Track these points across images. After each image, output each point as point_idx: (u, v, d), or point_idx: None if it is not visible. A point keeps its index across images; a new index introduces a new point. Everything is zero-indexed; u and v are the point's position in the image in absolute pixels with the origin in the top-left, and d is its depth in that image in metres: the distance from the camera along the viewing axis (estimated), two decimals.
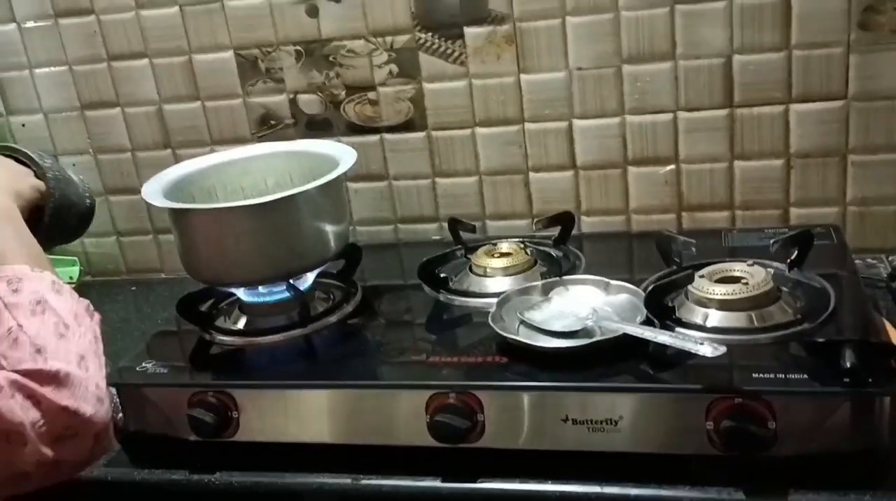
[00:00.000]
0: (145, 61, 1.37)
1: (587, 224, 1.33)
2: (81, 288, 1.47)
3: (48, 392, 0.67)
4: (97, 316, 0.81)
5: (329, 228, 1.04)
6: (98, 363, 0.75)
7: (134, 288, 1.48)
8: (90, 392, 0.71)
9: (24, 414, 0.66)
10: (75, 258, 1.49)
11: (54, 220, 0.95)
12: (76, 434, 0.69)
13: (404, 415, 0.90)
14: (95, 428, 0.70)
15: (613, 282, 1.00)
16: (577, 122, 1.27)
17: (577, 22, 1.22)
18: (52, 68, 1.40)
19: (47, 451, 0.67)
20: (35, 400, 0.67)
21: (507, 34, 1.24)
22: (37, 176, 0.95)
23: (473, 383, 0.88)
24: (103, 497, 0.96)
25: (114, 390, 1.01)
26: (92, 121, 1.42)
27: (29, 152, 0.97)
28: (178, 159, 1.36)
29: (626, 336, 0.88)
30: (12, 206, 0.85)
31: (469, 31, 1.25)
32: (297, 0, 1.28)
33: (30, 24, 1.38)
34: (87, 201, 1.03)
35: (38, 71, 1.41)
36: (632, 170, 1.28)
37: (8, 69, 1.41)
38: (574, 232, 1.24)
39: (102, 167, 1.45)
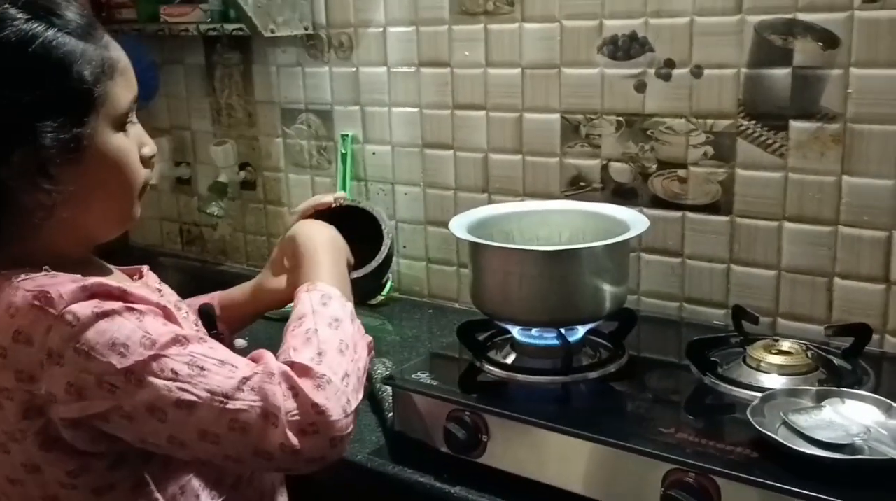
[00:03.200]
0: (483, 113, 1.52)
1: (892, 344, 1.22)
2: (389, 302, 1.66)
3: (308, 388, 0.77)
4: (373, 354, 0.91)
5: (607, 288, 1.08)
6: (357, 386, 0.82)
7: (431, 311, 1.63)
8: (341, 403, 0.77)
9: (284, 401, 0.75)
10: (389, 275, 1.68)
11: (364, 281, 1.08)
12: (317, 432, 0.75)
13: (639, 481, 0.91)
14: (334, 433, 0.76)
15: None
16: None
17: None
18: (407, 109, 1.61)
19: (293, 439, 0.75)
20: (295, 392, 0.75)
21: (835, 133, 1.21)
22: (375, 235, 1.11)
23: (715, 468, 0.87)
24: (359, 479, 1.08)
25: (389, 389, 1.14)
26: (429, 158, 1.61)
27: (380, 213, 1.13)
28: (491, 203, 1.49)
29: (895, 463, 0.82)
30: (346, 249, 1.02)
31: (795, 124, 1.23)
32: (629, 75, 1.35)
33: (397, 69, 1.60)
34: (388, 281, 1.15)
35: (395, 109, 1.63)
36: None
37: (372, 104, 1.65)
38: (874, 348, 1.16)
39: (428, 199, 1.63)
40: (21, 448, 0.78)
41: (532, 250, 1.08)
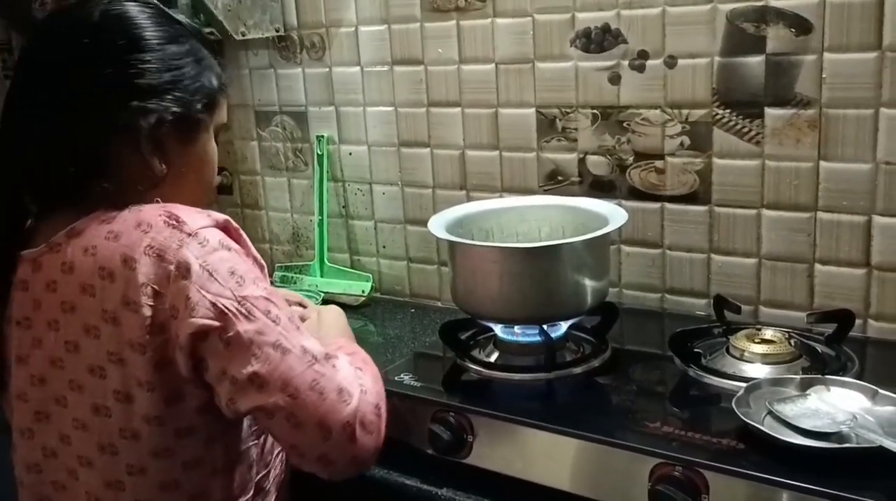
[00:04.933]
0: (458, 110, 1.51)
1: (874, 328, 1.22)
2: (370, 302, 1.65)
3: (374, 392, 0.87)
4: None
5: (588, 283, 1.08)
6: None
7: (413, 311, 1.62)
8: (386, 422, 0.89)
9: (359, 389, 0.84)
10: (370, 275, 1.67)
11: None
12: (372, 433, 0.85)
13: (626, 477, 0.90)
14: (379, 442, 0.87)
15: (882, 392, 0.93)
16: (877, 219, 1.19)
17: (892, 114, 1.15)
18: (382, 108, 1.60)
19: (356, 424, 0.82)
20: (364, 389, 0.86)
21: (810, 118, 1.20)
22: None
23: (702, 461, 0.86)
24: (344, 484, 1.07)
25: None
26: (406, 157, 1.60)
27: None
28: (470, 200, 1.48)
29: (883, 450, 0.81)
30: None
31: (770, 111, 1.23)
32: (603, 68, 1.34)
33: (370, 68, 1.59)
34: None
35: (370, 109, 1.61)
36: None
37: (347, 104, 1.64)
38: (857, 334, 1.16)
39: (406, 198, 1.62)
40: (123, 372, 0.82)
41: (511, 247, 1.08)
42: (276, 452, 1.00)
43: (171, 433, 0.84)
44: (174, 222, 0.82)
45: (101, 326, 0.82)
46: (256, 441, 0.95)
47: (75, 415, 0.86)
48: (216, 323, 0.79)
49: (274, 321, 0.81)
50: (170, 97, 0.89)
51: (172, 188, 0.91)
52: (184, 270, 0.79)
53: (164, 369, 0.82)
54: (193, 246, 0.81)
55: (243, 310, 0.80)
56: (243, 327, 0.79)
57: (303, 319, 1.07)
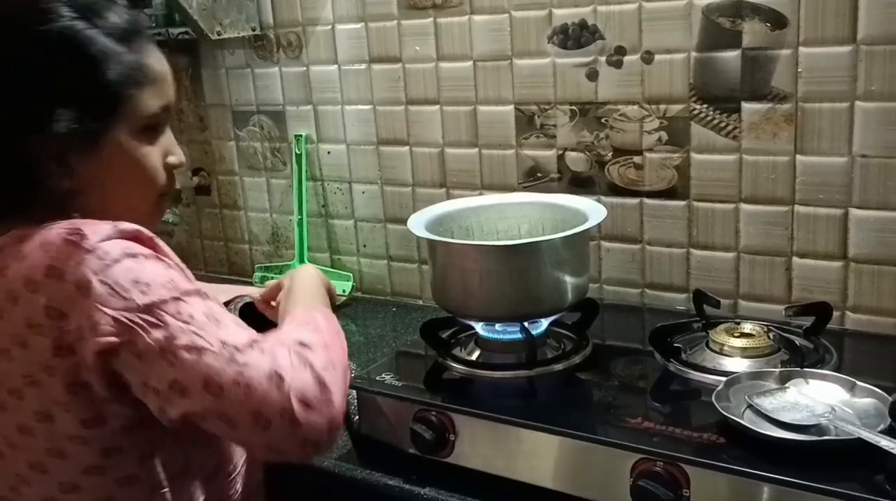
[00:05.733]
0: (436, 107, 1.51)
1: (852, 320, 1.23)
2: (351, 302, 1.64)
3: (317, 364, 0.79)
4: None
5: (568, 279, 1.08)
6: (346, 387, 0.86)
7: (394, 309, 1.62)
8: (341, 390, 0.82)
9: (292, 367, 0.78)
10: (350, 275, 1.67)
11: None
12: (319, 410, 0.77)
13: (608, 473, 0.90)
14: (333, 415, 0.79)
15: (860, 384, 0.93)
16: (854, 212, 1.20)
17: (867, 107, 1.15)
18: (360, 106, 1.59)
19: (296, 407, 0.76)
20: (304, 363, 0.79)
21: (787, 113, 1.21)
22: None
23: (683, 456, 0.86)
24: (326, 485, 1.07)
25: (354, 392, 1.12)
26: (385, 155, 1.59)
27: None
28: (450, 198, 1.48)
29: (862, 442, 0.82)
30: (326, 282, 1.07)
31: (747, 106, 1.24)
32: (580, 64, 1.34)
33: (348, 66, 1.58)
34: None
35: (348, 107, 1.61)
36: None
37: (324, 103, 1.63)
38: (835, 326, 1.17)
39: (386, 197, 1.61)
40: (39, 393, 0.79)
41: (491, 245, 1.07)
42: (240, 462, 0.96)
43: (98, 452, 0.81)
44: (75, 238, 0.77)
45: (12, 349, 0.79)
46: (210, 454, 0.91)
47: (4, 433, 0.83)
48: (122, 339, 0.76)
49: (186, 321, 0.77)
50: (42, 118, 0.80)
51: (100, 200, 0.86)
52: (84, 289, 0.76)
53: (79, 391, 0.79)
54: (92, 261, 0.76)
55: (150, 319, 0.76)
56: (152, 337, 0.76)
57: (280, 288, 1.05)
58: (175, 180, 0.94)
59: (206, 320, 0.78)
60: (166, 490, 0.86)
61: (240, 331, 0.80)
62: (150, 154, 0.88)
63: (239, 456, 0.96)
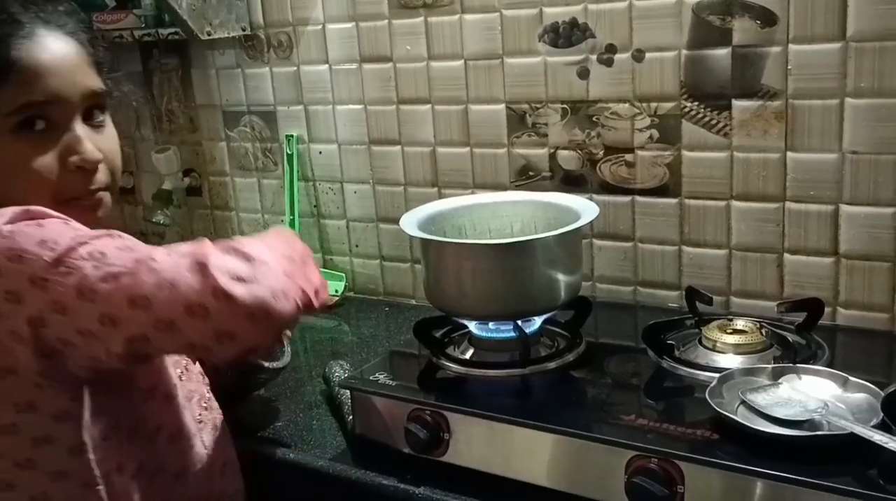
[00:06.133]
0: (428, 107, 1.50)
1: (843, 316, 1.24)
2: (344, 302, 1.64)
3: (243, 247, 0.75)
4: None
5: (561, 277, 1.08)
6: (282, 264, 0.78)
7: (387, 309, 1.61)
8: (282, 266, 0.76)
9: (213, 253, 0.73)
10: (343, 275, 1.66)
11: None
12: (255, 281, 0.72)
13: (603, 470, 0.91)
14: (271, 281, 0.73)
15: (853, 379, 0.94)
16: (844, 208, 1.20)
17: (857, 104, 1.16)
18: (351, 106, 1.59)
19: (225, 282, 0.70)
20: (228, 249, 0.74)
21: (777, 110, 1.21)
22: None
23: (677, 452, 0.87)
24: (321, 485, 1.07)
25: (348, 392, 1.12)
26: (376, 155, 1.59)
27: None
28: (442, 197, 1.48)
29: (854, 437, 0.82)
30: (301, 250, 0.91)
31: (737, 103, 1.24)
32: (571, 62, 1.35)
33: (338, 66, 1.58)
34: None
35: (339, 107, 1.60)
36: None
37: (316, 103, 1.62)
38: (827, 322, 1.18)
39: (378, 197, 1.61)
40: None
41: (483, 244, 1.08)
42: (193, 466, 0.94)
43: (28, 441, 0.79)
44: None
45: None
46: (151, 453, 0.88)
47: None
48: (43, 299, 0.73)
49: (97, 258, 0.73)
50: None
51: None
52: None
53: (7, 376, 0.77)
54: None
55: (63, 270, 0.73)
56: (68, 284, 0.73)
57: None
58: (91, 180, 0.87)
59: (119, 251, 0.74)
60: (101, 487, 0.83)
61: (157, 248, 0.76)
62: (30, 154, 0.83)
63: (192, 460, 0.93)
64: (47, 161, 0.84)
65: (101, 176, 0.88)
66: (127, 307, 0.72)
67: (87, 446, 0.82)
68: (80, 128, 0.86)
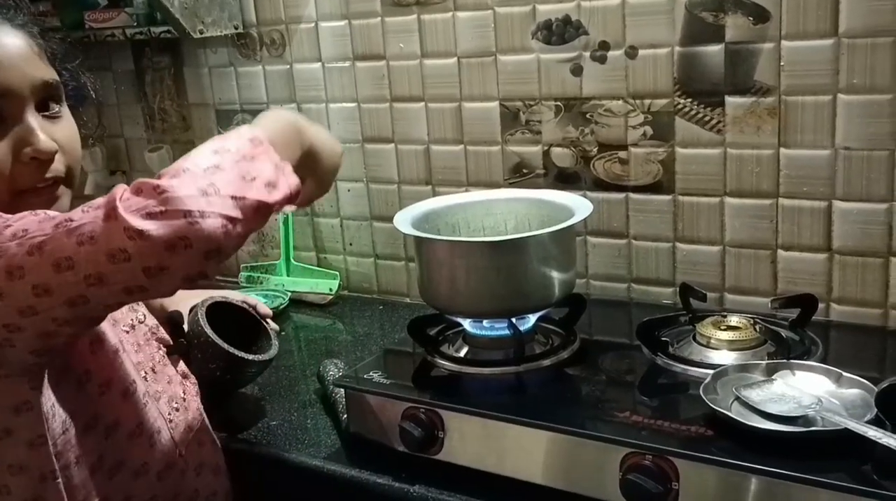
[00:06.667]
0: (421, 104, 1.50)
1: (837, 312, 1.24)
2: (338, 300, 1.64)
3: (153, 181, 0.71)
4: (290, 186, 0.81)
5: (555, 275, 1.08)
6: (234, 181, 0.75)
7: (381, 308, 1.61)
8: (198, 184, 0.72)
9: (124, 197, 0.71)
10: (337, 273, 1.66)
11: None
12: (165, 213, 0.70)
13: (597, 467, 0.90)
14: (188, 207, 0.70)
15: (846, 375, 0.94)
16: (837, 204, 1.21)
17: (849, 100, 1.16)
18: (345, 104, 1.59)
19: (135, 222, 0.68)
20: (139, 188, 0.71)
21: (770, 106, 1.22)
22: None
23: (672, 449, 0.87)
24: (315, 484, 1.06)
25: (342, 391, 1.12)
26: (370, 153, 1.59)
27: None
28: (436, 195, 1.47)
29: (848, 432, 0.83)
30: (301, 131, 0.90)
31: (731, 100, 1.24)
32: (565, 59, 1.34)
33: (331, 64, 1.57)
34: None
35: (332, 105, 1.60)
36: None
37: (309, 101, 1.62)
38: (821, 318, 1.18)
39: (372, 195, 1.61)
40: None
41: (478, 242, 1.07)
42: (155, 463, 0.93)
43: None
44: None
45: None
46: (109, 447, 0.88)
47: None
48: None
49: (20, 236, 0.72)
50: None
51: None
52: None
53: None
54: None
55: None
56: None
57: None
58: (45, 171, 0.85)
59: (40, 223, 0.73)
60: (59, 480, 0.83)
61: (75, 210, 0.74)
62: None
63: (154, 457, 0.93)
64: (0, 153, 0.83)
65: (58, 165, 0.87)
66: (54, 272, 0.71)
67: (46, 438, 0.82)
68: (33, 119, 0.85)
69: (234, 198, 0.73)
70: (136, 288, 0.73)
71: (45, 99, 0.87)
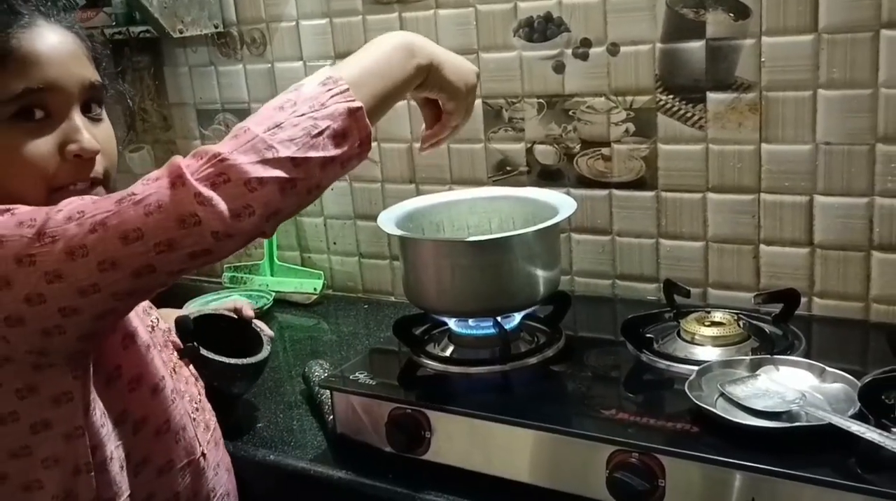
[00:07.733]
0: (404, 102, 1.49)
1: (819, 306, 1.25)
2: (322, 300, 1.63)
3: (213, 148, 0.73)
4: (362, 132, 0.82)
5: (540, 273, 1.08)
6: (297, 137, 0.75)
7: (366, 307, 1.61)
8: (259, 152, 0.73)
9: (186, 164, 0.72)
10: (321, 273, 1.66)
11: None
12: (229, 181, 0.71)
13: (584, 465, 0.91)
14: (247, 176, 0.72)
15: (830, 369, 0.95)
16: (818, 198, 1.21)
17: (829, 95, 1.17)
18: None
19: (203, 189, 0.70)
20: (200, 155, 0.73)
21: (751, 102, 1.22)
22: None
23: (658, 446, 0.87)
24: (302, 486, 1.06)
25: (328, 392, 1.12)
26: None
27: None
28: (420, 193, 1.47)
29: (832, 427, 0.83)
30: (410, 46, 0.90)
31: (712, 96, 1.25)
32: (547, 56, 1.34)
33: (313, 63, 1.56)
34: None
35: None
36: (877, 255, 1.19)
37: None
38: (803, 312, 1.19)
39: (355, 194, 1.60)
40: None
41: (462, 241, 1.07)
42: (180, 459, 0.93)
43: (12, 393, 0.78)
44: None
45: None
46: (137, 443, 0.88)
47: None
48: (37, 274, 0.72)
49: (78, 217, 0.73)
50: None
51: None
52: None
53: (4, 364, 0.77)
54: None
55: (47, 240, 0.72)
56: (58, 249, 0.72)
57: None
58: (87, 170, 0.86)
59: (95, 203, 0.74)
60: (91, 474, 0.83)
61: (133, 186, 0.75)
62: (27, 142, 0.82)
63: (179, 455, 0.93)
64: (45, 149, 0.83)
65: (98, 167, 0.87)
66: (121, 245, 0.72)
67: (84, 430, 0.82)
68: (78, 118, 0.85)
69: (292, 159, 0.74)
70: (201, 253, 0.74)
71: (88, 100, 0.87)
